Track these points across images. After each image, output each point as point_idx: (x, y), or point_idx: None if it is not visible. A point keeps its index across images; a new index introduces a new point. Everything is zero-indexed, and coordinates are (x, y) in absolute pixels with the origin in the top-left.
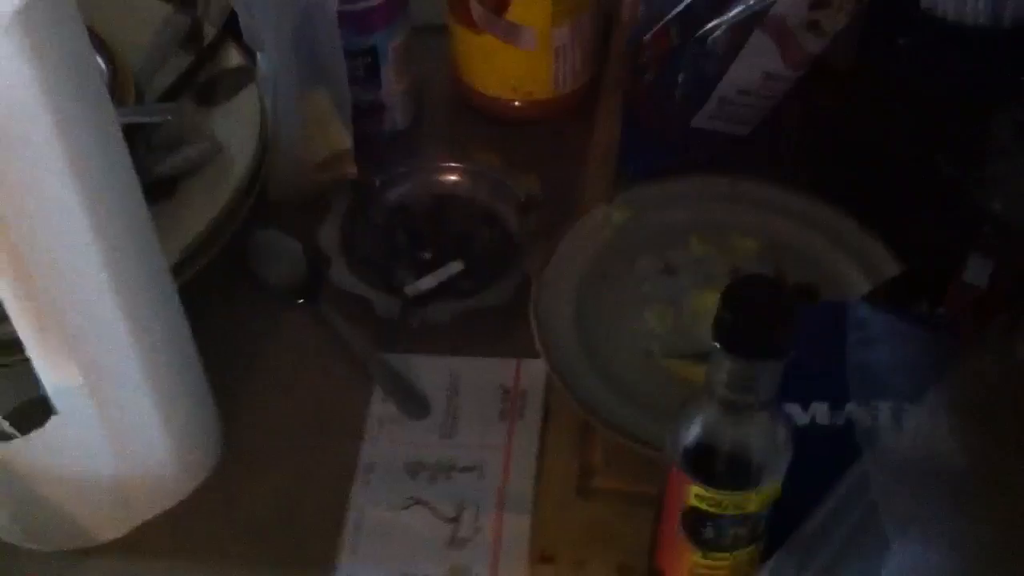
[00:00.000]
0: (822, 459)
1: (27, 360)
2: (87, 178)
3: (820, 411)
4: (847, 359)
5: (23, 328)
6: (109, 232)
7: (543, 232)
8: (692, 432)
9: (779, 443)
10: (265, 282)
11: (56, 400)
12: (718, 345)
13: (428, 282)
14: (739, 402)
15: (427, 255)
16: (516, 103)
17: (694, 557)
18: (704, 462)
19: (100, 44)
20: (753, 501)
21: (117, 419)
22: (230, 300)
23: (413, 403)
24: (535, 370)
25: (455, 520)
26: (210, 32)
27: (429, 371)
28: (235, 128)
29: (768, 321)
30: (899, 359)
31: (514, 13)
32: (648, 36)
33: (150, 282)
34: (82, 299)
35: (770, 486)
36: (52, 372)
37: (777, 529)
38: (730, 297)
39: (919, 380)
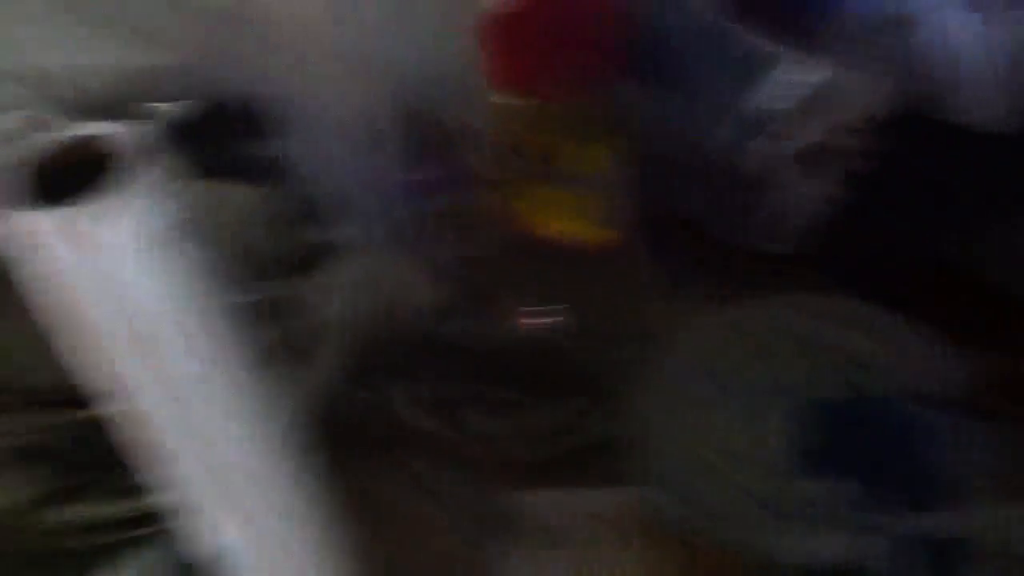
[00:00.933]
0: None
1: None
2: (230, 361)
3: None
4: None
5: (197, 497)
6: (251, 402)
7: (622, 361)
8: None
9: None
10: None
11: (220, 561)
12: None
13: (539, 418)
14: None
15: (507, 395)
16: (572, 241)
17: None
18: None
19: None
20: None
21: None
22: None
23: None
24: (634, 497)
25: None
26: (295, 208)
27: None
28: (327, 297)
29: None
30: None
31: (562, 161)
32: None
33: (287, 440)
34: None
35: None
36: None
37: None
38: None
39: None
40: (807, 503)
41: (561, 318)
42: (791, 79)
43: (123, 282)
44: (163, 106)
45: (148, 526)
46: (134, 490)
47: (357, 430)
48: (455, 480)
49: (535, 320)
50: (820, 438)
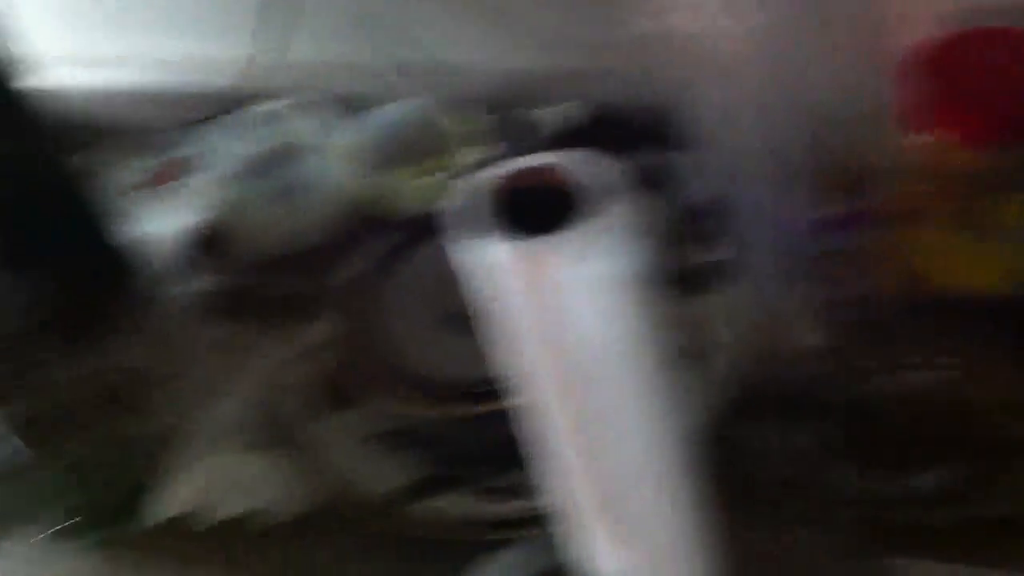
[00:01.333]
0: None
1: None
2: (650, 391)
3: None
4: None
5: (582, 509)
6: (663, 423)
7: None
8: None
9: None
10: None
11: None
12: None
13: (926, 483)
14: None
15: (922, 453)
16: (974, 296)
17: None
18: None
19: None
20: None
21: None
22: None
23: None
24: None
25: None
26: (683, 225)
27: None
28: (714, 320)
29: None
30: None
31: (974, 211)
32: None
33: (688, 470)
34: (646, 495)
35: None
36: (611, 555)
37: None
38: None
39: None
40: None
41: (955, 375)
42: None
43: (572, 318)
44: (552, 109)
45: (520, 528)
46: (510, 491)
47: (727, 468)
48: (827, 536)
49: (926, 375)
50: None
